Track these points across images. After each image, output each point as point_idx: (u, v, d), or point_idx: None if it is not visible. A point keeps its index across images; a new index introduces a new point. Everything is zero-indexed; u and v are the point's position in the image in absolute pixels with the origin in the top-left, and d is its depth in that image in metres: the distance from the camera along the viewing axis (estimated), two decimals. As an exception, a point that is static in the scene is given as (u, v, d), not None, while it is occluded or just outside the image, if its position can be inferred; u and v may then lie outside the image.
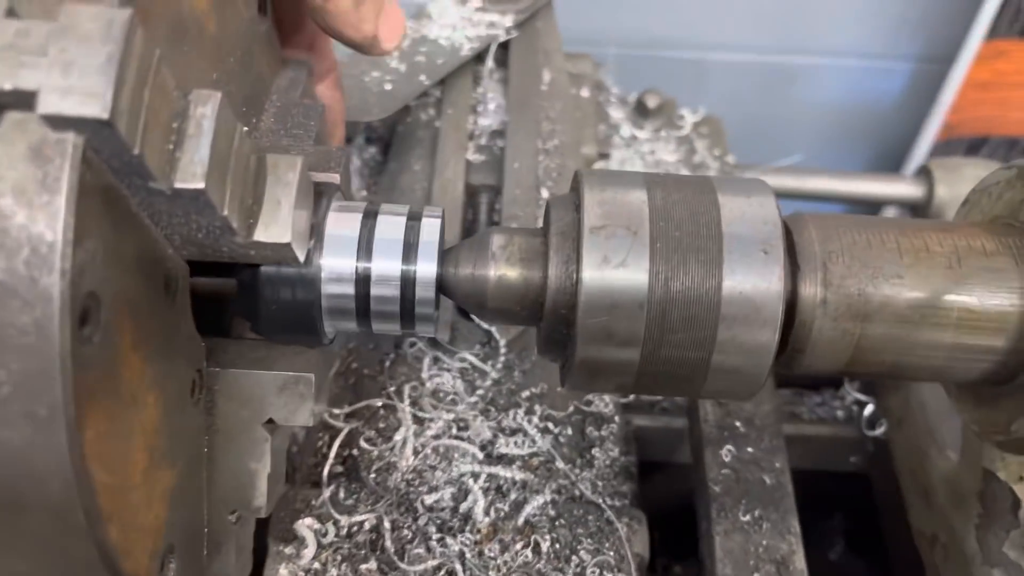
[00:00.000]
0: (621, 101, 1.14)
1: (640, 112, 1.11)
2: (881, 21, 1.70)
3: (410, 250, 0.47)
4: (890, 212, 1.62)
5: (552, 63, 0.97)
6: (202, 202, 0.37)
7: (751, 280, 0.44)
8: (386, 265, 0.47)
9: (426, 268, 0.47)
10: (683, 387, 0.47)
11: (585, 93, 1.07)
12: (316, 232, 0.46)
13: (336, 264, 0.46)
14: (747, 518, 0.65)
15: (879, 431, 0.78)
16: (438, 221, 0.48)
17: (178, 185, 0.36)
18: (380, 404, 0.69)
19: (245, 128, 0.49)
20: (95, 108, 0.31)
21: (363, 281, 0.46)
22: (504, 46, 0.99)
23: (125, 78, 0.32)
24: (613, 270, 0.44)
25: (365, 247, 0.46)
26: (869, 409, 0.79)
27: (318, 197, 0.47)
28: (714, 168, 1.08)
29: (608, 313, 0.44)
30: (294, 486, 0.65)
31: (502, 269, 0.47)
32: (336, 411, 0.69)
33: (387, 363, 0.72)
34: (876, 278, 0.45)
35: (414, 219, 0.48)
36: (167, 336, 0.42)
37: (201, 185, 0.36)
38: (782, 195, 1.17)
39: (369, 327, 0.49)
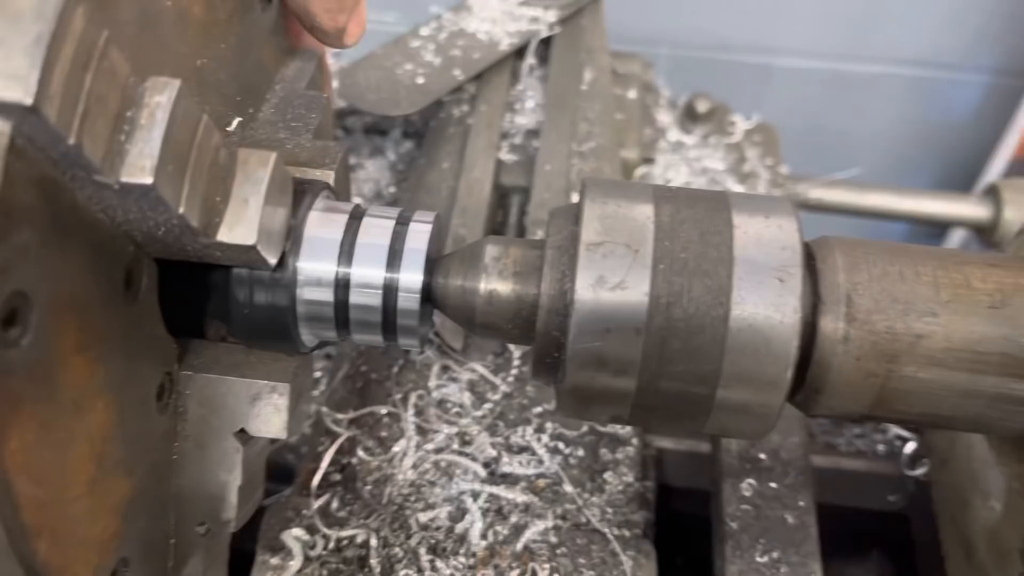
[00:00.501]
0: (670, 104, 1.09)
1: (689, 116, 1.06)
2: (959, 30, 1.62)
3: (395, 257, 0.43)
4: (955, 235, 1.54)
5: (595, 62, 0.93)
6: (153, 198, 0.34)
7: (763, 310, 0.39)
8: (368, 272, 0.43)
9: (410, 277, 0.43)
10: (685, 423, 0.43)
11: (632, 94, 1.03)
12: (294, 233, 0.43)
13: (314, 268, 0.43)
14: (764, 559, 0.60)
15: (921, 471, 0.72)
16: (428, 227, 0.45)
17: (124, 179, 0.33)
18: (384, 412, 0.66)
19: (239, 119, 0.47)
20: (17, 92, 0.28)
21: (343, 287, 0.43)
22: (547, 42, 0.95)
23: (56, 60, 0.29)
24: (609, 291, 0.40)
25: (347, 251, 0.43)
26: (911, 447, 0.73)
27: (301, 195, 0.44)
28: (764, 178, 1.02)
29: (601, 338, 0.40)
30: (291, 491, 0.63)
31: (493, 283, 0.43)
32: (340, 416, 0.66)
33: (396, 368, 0.69)
34: (907, 315, 0.40)
35: (403, 224, 0.45)
36: (126, 337, 0.39)
37: (149, 180, 0.33)
38: (836, 211, 1.11)
39: (349, 337, 0.45)
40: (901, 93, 1.73)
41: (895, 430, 0.77)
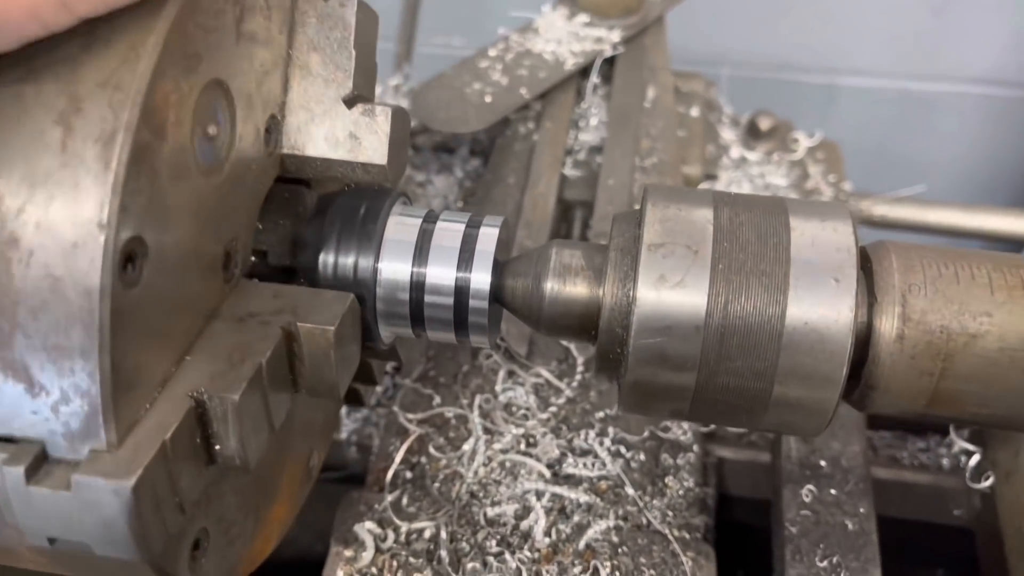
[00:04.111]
0: (733, 121, 1.11)
1: (752, 134, 1.08)
2: (1032, 47, 1.59)
3: (465, 258, 0.46)
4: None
5: (658, 80, 0.96)
6: None
7: (818, 310, 0.41)
8: (440, 272, 0.46)
9: (480, 277, 0.46)
10: (742, 418, 0.44)
11: (694, 112, 1.05)
12: (375, 237, 0.46)
13: (392, 269, 0.46)
14: (824, 564, 0.61)
15: (985, 484, 0.72)
16: (495, 231, 0.47)
17: None
18: (452, 414, 0.69)
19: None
20: None
21: (418, 287, 0.46)
22: (610, 62, 0.98)
23: None
24: (669, 290, 0.42)
25: (421, 253, 0.46)
26: (975, 460, 0.72)
27: (380, 202, 0.47)
28: (827, 195, 1.03)
29: (662, 334, 0.42)
30: (361, 488, 0.66)
31: (559, 283, 0.46)
32: (411, 416, 0.69)
33: (463, 373, 0.72)
34: (961, 315, 0.41)
35: (473, 227, 0.47)
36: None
37: None
38: (900, 227, 1.11)
39: (424, 333, 0.48)
40: (972, 113, 1.70)
41: (960, 443, 0.76)
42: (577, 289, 0.46)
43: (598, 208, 0.82)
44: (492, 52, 0.95)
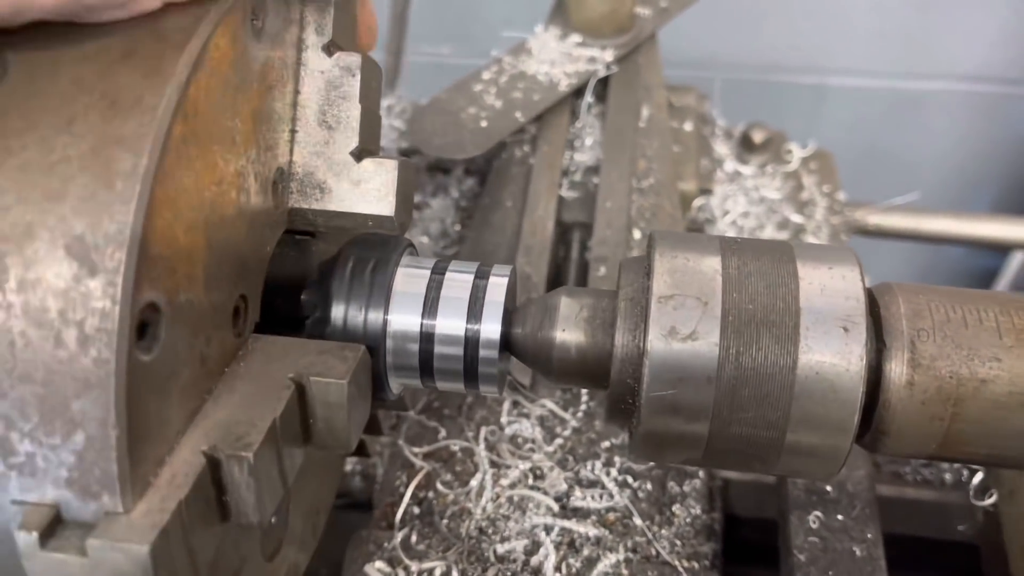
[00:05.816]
0: (726, 134, 1.11)
1: (745, 146, 1.08)
2: (1019, 43, 1.60)
3: (475, 310, 0.46)
4: (1016, 258, 1.52)
5: (652, 99, 0.96)
6: None
7: (829, 359, 0.41)
8: (450, 324, 0.46)
9: (490, 328, 0.46)
10: (755, 465, 0.45)
11: (688, 127, 1.05)
12: (384, 289, 0.46)
13: (402, 321, 0.46)
14: (833, 591, 0.61)
15: (988, 501, 0.72)
16: (505, 280, 0.47)
17: None
18: (458, 447, 0.69)
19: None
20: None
21: (427, 339, 0.46)
22: (604, 80, 0.97)
23: None
24: (680, 342, 0.42)
25: (431, 305, 0.46)
26: (978, 477, 0.73)
27: (388, 254, 0.47)
28: (822, 206, 1.03)
29: (674, 386, 0.42)
30: (369, 526, 0.66)
31: (568, 333, 0.46)
32: (416, 449, 0.69)
33: (467, 405, 0.72)
34: (971, 360, 0.42)
35: (481, 278, 0.48)
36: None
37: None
38: (895, 236, 1.11)
39: (433, 384, 0.48)
40: (960, 110, 1.71)
41: (962, 459, 0.77)
42: (587, 339, 0.46)
43: (597, 231, 0.82)
44: (486, 75, 0.94)
